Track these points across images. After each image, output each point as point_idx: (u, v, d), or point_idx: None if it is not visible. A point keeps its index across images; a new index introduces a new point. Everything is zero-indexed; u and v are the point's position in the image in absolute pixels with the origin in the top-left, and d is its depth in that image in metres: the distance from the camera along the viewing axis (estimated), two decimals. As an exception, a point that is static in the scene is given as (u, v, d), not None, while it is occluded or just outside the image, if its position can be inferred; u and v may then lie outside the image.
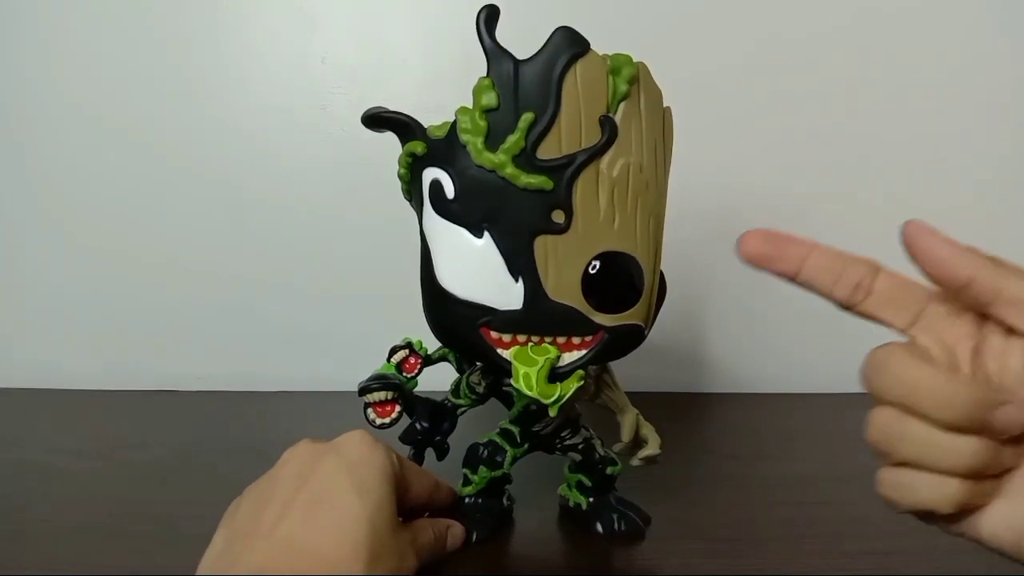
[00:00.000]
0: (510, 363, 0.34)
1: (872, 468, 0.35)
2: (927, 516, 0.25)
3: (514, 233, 0.33)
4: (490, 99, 0.32)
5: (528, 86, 0.31)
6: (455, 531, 0.36)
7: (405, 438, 0.38)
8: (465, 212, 0.33)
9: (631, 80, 0.32)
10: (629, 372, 0.41)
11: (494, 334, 0.34)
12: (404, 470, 0.33)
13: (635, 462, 0.40)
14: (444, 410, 0.39)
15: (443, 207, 0.33)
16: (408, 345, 0.39)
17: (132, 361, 0.71)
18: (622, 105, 0.32)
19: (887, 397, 0.24)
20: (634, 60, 0.33)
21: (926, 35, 0.70)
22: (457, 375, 0.40)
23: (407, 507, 0.33)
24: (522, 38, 0.32)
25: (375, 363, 0.38)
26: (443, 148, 0.33)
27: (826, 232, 0.77)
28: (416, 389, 0.39)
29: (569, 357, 0.35)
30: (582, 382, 0.35)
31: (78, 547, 0.38)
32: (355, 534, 0.27)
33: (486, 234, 0.33)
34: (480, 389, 0.39)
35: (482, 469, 0.39)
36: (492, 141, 0.32)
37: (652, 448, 0.40)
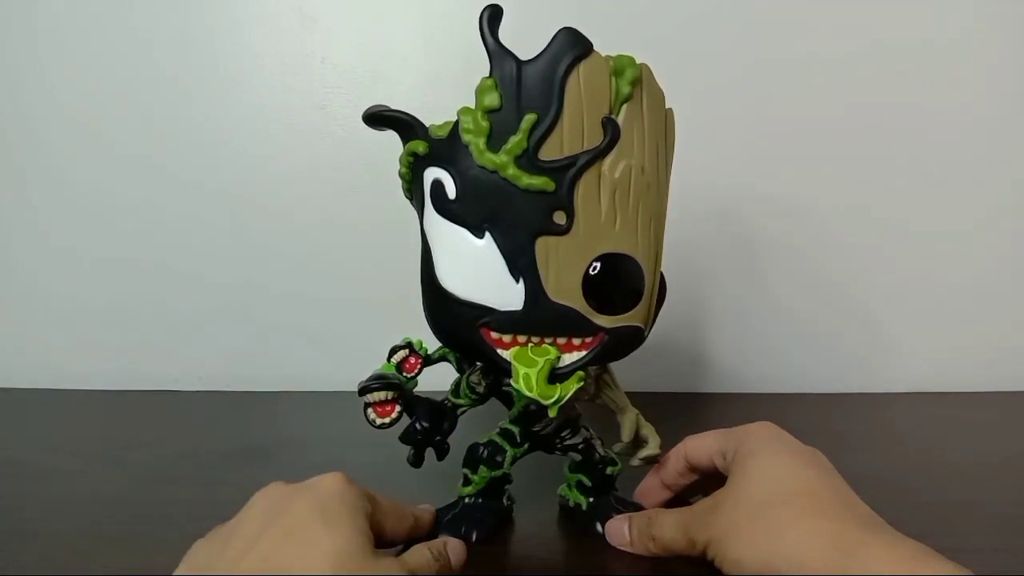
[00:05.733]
0: (510, 364, 0.34)
1: (870, 468, 0.35)
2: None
3: (515, 234, 0.33)
4: (492, 100, 0.32)
5: (531, 87, 0.31)
6: (454, 546, 0.34)
7: (405, 438, 0.38)
8: (466, 212, 0.33)
9: (634, 82, 0.32)
10: (629, 372, 0.41)
11: (494, 334, 0.34)
12: (378, 511, 0.32)
13: (635, 462, 0.40)
14: (444, 410, 0.39)
15: (444, 207, 0.33)
16: (408, 345, 0.39)
17: (132, 361, 0.71)
18: (624, 107, 0.32)
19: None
20: (637, 61, 0.33)
21: (928, 36, 0.70)
22: (457, 375, 0.40)
23: (383, 546, 0.32)
24: (525, 39, 0.32)
25: (375, 363, 0.38)
26: (445, 148, 0.33)
27: (826, 232, 0.77)
28: (416, 389, 0.39)
29: (569, 358, 0.35)
30: (582, 383, 0.35)
31: (78, 547, 0.38)
32: (323, 566, 0.26)
33: (487, 234, 0.33)
34: (480, 389, 0.39)
35: (482, 469, 0.39)
36: (494, 142, 0.32)
37: (652, 448, 0.40)
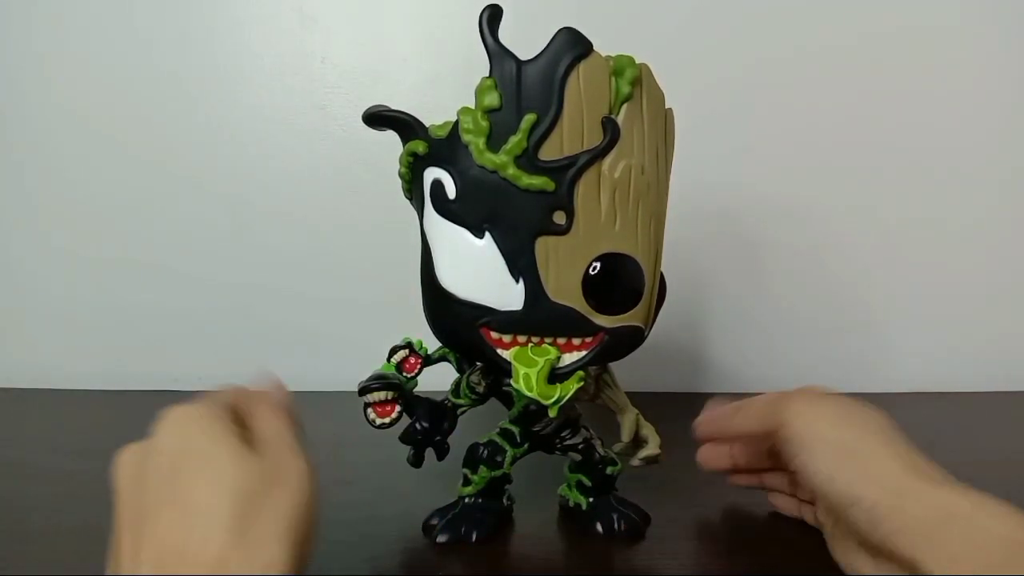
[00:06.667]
0: (510, 364, 0.34)
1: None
2: None
3: (515, 234, 0.33)
4: (492, 99, 0.32)
5: (530, 87, 0.31)
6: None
7: (405, 438, 0.38)
8: (466, 212, 0.33)
9: (634, 81, 0.32)
10: (629, 372, 0.41)
11: (494, 334, 0.34)
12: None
13: (635, 462, 0.40)
14: (444, 410, 0.39)
15: (444, 207, 0.33)
16: (408, 345, 0.39)
17: (132, 361, 0.71)
18: (624, 107, 0.32)
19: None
20: (637, 61, 0.33)
21: (929, 37, 0.70)
22: (457, 375, 0.40)
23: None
24: (525, 39, 0.32)
25: (375, 363, 0.38)
26: (445, 148, 0.33)
27: (826, 232, 0.77)
28: (416, 389, 0.39)
29: (569, 358, 0.35)
30: (582, 383, 0.35)
31: (78, 547, 0.38)
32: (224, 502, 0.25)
33: (487, 235, 0.33)
34: (480, 389, 0.39)
35: (482, 469, 0.39)
36: (494, 142, 0.32)
37: (652, 448, 0.40)
